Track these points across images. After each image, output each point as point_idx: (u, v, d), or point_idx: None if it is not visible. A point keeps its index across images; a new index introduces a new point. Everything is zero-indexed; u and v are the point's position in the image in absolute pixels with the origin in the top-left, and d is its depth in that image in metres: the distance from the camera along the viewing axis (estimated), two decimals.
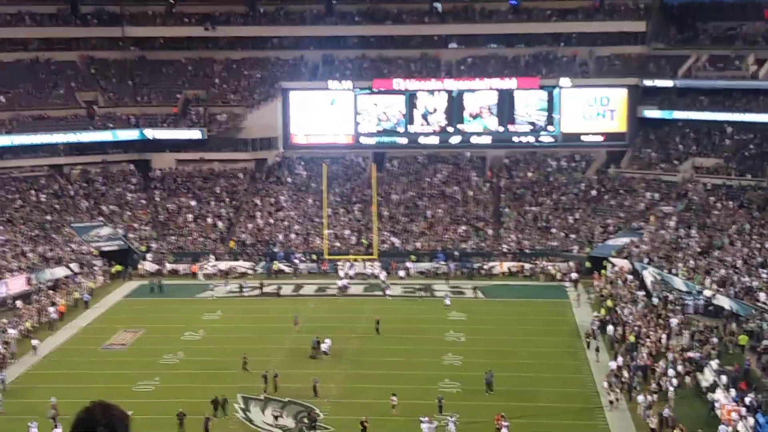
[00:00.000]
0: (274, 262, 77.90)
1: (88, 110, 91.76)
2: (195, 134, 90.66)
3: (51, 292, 69.65)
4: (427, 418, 44.54)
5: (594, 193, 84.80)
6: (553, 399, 49.35)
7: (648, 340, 55.27)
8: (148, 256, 79.37)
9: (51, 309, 64.99)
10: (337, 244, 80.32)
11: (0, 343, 57.31)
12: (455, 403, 48.08)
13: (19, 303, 66.07)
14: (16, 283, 69.55)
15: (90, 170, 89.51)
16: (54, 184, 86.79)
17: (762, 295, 58.68)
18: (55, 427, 44.15)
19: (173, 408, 46.94)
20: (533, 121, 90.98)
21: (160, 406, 46.83)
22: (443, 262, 76.91)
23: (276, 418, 46.18)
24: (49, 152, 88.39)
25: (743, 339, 54.77)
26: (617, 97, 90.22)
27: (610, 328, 58.69)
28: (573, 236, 79.40)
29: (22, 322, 62.50)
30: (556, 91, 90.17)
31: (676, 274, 66.43)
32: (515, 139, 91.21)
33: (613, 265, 72.33)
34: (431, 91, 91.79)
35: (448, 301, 67.10)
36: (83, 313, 67.63)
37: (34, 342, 58.26)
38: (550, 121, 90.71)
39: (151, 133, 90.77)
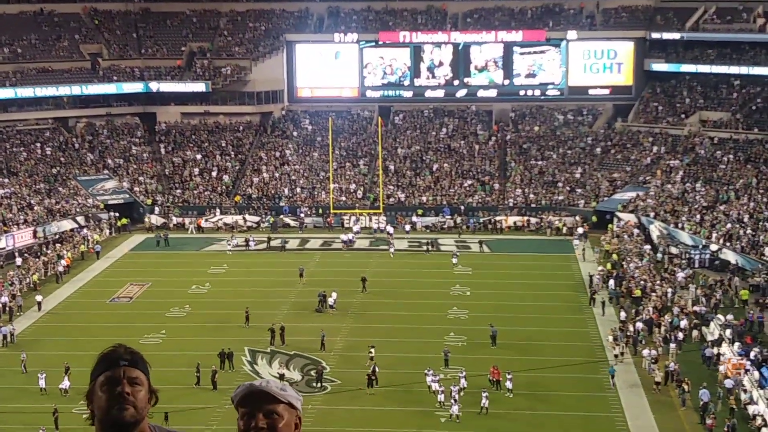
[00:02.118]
0: (280, 216, 77.93)
1: (93, 63, 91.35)
2: (200, 87, 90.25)
3: (58, 245, 69.85)
4: (431, 371, 44.81)
5: (600, 147, 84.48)
6: (558, 352, 49.56)
7: (653, 294, 55.39)
8: (155, 209, 79.43)
9: (61, 262, 65.15)
10: (343, 198, 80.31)
11: (7, 295, 57.57)
12: (461, 356, 48.32)
13: (18, 260, 65.93)
14: (23, 236, 69.81)
15: (95, 123, 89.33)
16: (59, 136, 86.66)
17: None
18: (66, 378, 44.50)
19: (180, 361, 47.29)
20: None
21: (167, 358, 46.98)
22: (449, 216, 76.89)
23: (281, 376, 46.21)
24: (54, 105, 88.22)
25: (744, 294, 54.88)
26: (624, 50, 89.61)
27: (611, 282, 58.74)
28: (579, 190, 79.25)
29: (28, 275, 62.74)
30: (562, 43, 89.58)
31: (682, 228, 66.43)
32: (521, 92, 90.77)
33: (620, 219, 72.34)
34: (437, 44, 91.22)
35: (455, 260, 66.39)
36: (93, 264, 67.90)
37: (38, 298, 58.43)
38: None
39: (155, 86, 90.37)
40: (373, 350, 47.94)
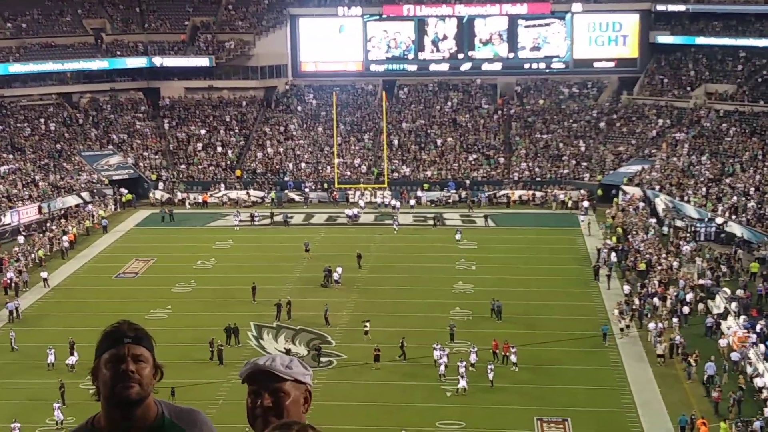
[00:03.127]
0: (285, 191, 77.86)
1: (96, 38, 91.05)
2: (203, 62, 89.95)
3: (63, 221, 69.86)
4: (439, 346, 44.86)
5: (605, 120, 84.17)
6: (563, 327, 49.64)
7: (659, 267, 55.32)
8: (159, 184, 79.39)
9: (64, 238, 65.18)
10: (348, 173, 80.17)
11: (13, 271, 57.63)
12: (467, 330, 48.38)
13: (20, 238, 65.79)
14: (27, 212, 69.85)
15: (98, 98, 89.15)
16: (63, 112, 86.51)
17: None
18: (71, 354, 44.64)
19: (186, 336, 47.47)
20: None
21: (173, 334, 47.13)
22: (454, 191, 76.78)
23: (288, 351, 46.27)
24: (57, 80, 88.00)
25: (754, 266, 54.71)
26: (629, 23, 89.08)
27: (613, 255, 58.71)
28: (584, 164, 79.04)
29: (34, 251, 62.78)
30: (567, 16, 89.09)
31: (688, 201, 66.31)
32: (526, 65, 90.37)
33: (625, 192, 72.21)
34: (441, 17, 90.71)
35: (458, 236, 65.96)
36: (98, 240, 67.96)
37: (44, 274, 58.44)
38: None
39: (159, 61, 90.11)
40: (368, 324, 48.00)
